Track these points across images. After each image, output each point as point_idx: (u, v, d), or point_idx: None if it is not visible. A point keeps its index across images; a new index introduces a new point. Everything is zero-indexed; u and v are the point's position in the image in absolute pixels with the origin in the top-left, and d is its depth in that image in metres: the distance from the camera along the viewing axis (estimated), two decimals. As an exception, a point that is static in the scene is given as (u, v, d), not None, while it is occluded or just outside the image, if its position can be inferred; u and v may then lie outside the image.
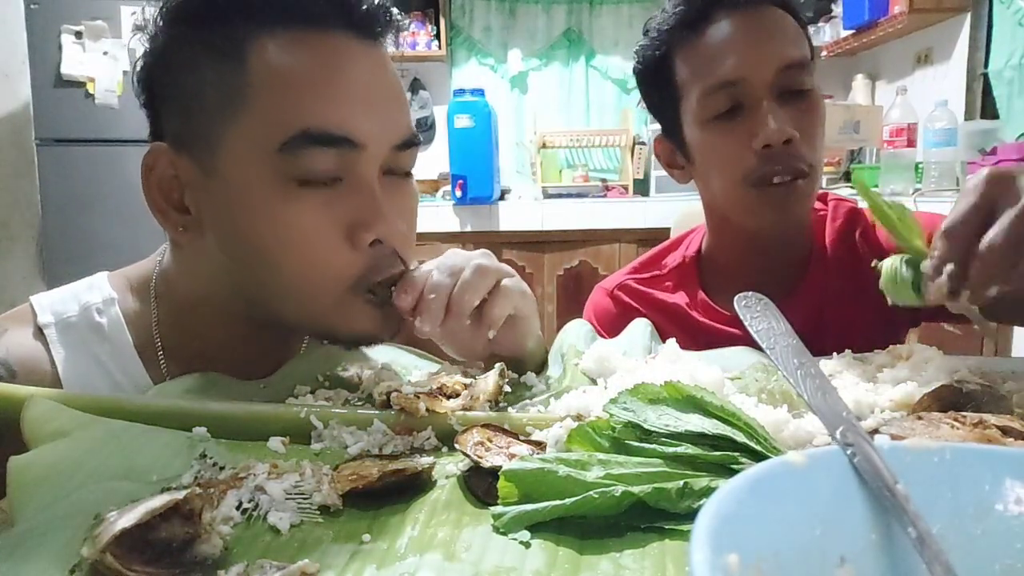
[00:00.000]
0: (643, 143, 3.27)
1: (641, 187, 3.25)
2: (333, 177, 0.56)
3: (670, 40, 0.85)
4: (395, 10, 0.60)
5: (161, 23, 0.57)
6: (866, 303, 0.80)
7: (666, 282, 0.96)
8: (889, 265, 0.58)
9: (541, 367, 0.68)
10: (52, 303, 0.62)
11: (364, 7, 0.57)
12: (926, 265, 0.53)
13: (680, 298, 0.93)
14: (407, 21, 0.64)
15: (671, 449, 0.40)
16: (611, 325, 0.89)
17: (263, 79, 0.54)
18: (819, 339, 0.87)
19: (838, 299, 0.88)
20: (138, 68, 0.59)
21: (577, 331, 0.71)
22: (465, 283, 0.58)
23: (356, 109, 0.56)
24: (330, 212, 0.55)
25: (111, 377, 0.61)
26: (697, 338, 0.83)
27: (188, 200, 0.58)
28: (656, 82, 0.89)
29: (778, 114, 0.79)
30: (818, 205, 0.93)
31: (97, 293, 0.63)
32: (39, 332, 0.60)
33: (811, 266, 0.91)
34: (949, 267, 0.51)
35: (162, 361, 0.63)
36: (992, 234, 0.49)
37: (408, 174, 0.63)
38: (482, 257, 0.60)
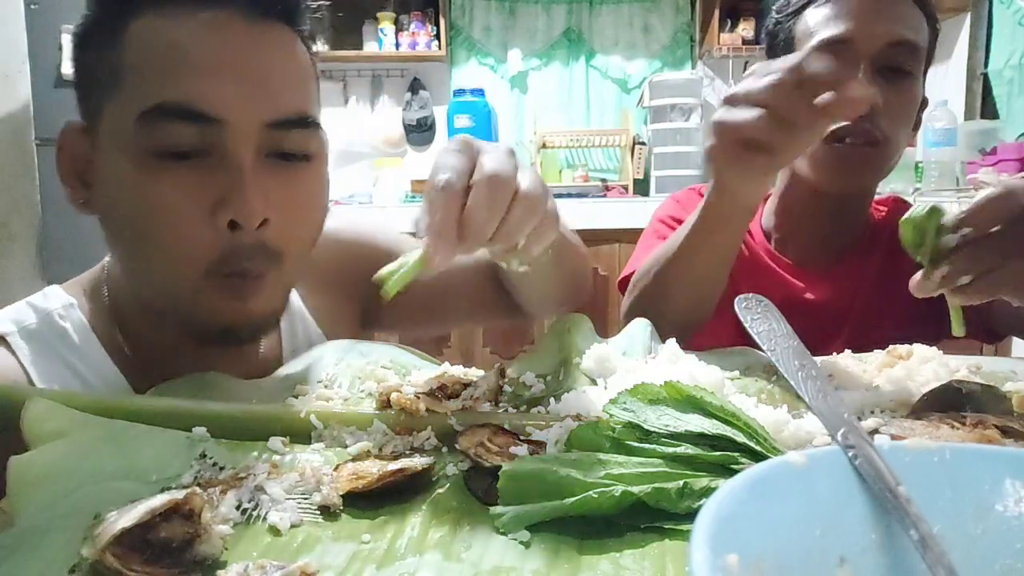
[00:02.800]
0: (643, 143, 3.27)
1: (641, 187, 3.25)
2: (197, 152, 0.54)
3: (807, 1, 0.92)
4: None
5: (88, 8, 0.59)
6: (898, 297, 0.84)
7: None
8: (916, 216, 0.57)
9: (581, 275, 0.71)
10: (8, 314, 0.61)
11: None
12: (949, 218, 0.53)
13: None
14: (310, 3, 0.62)
15: (671, 449, 0.40)
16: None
17: (134, 55, 0.55)
18: (848, 317, 0.95)
19: (875, 284, 0.95)
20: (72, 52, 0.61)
21: (572, 323, 0.70)
22: (477, 202, 0.46)
23: (218, 84, 0.54)
24: (189, 186, 0.54)
25: (84, 380, 0.60)
26: (759, 276, 0.93)
27: (88, 176, 0.60)
28: (779, 38, 0.96)
29: (872, 81, 0.85)
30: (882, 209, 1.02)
31: (55, 301, 0.63)
32: (2, 343, 0.59)
33: (860, 245, 0.98)
34: (965, 230, 0.53)
35: (130, 359, 0.63)
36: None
37: (307, 158, 0.59)
38: (494, 158, 0.48)
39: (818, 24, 0.89)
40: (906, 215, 0.56)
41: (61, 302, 0.63)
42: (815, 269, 0.98)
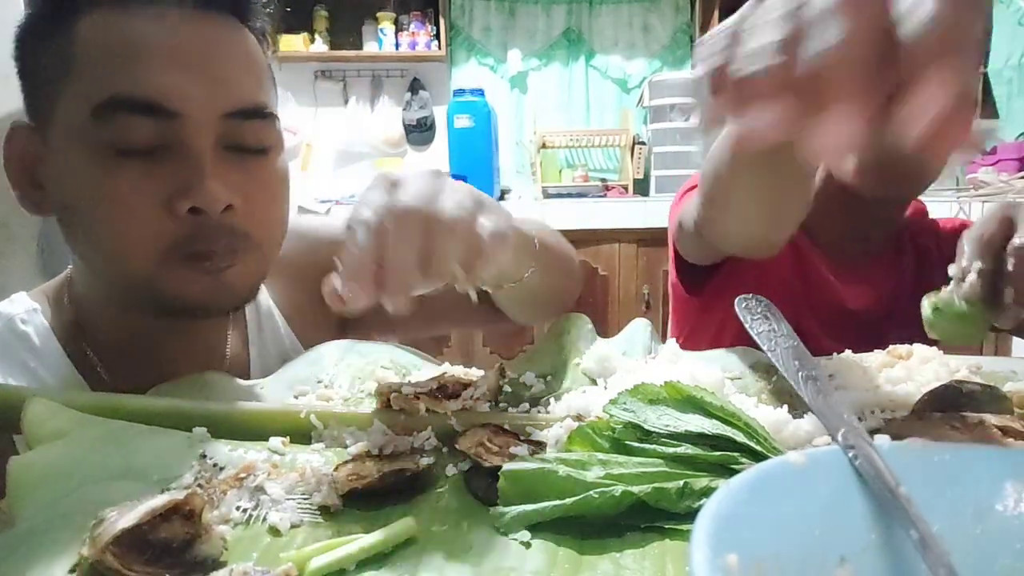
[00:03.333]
0: (643, 143, 3.27)
1: (641, 187, 3.25)
2: (154, 145, 0.54)
3: None
4: None
5: (32, 6, 0.58)
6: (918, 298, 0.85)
7: None
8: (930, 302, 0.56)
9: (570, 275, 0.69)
10: None
11: None
12: (954, 269, 0.53)
13: None
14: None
15: (671, 449, 0.40)
16: None
17: (85, 48, 0.54)
18: (889, 314, 0.94)
19: (912, 286, 0.95)
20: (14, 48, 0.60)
21: (573, 323, 0.70)
22: (390, 242, 0.42)
23: (173, 75, 0.54)
24: (148, 180, 0.54)
25: (42, 382, 0.60)
26: (792, 264, 0.91)
27: (40, 176, 0.59)
28: None
29: None
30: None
31: (19, 306, 0.64)
32: None
33: (891, 247, 0.97)
34: (977, 264, 0.52)
35: (93, 362, 0.63)
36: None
37: (264, 151, 0.60)
38: (410, 189, 0.44)
39: None
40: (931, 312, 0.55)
41: (24, 307, 0.64)
42: (849, 266, 0.96)
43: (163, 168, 0.54)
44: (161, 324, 0.62)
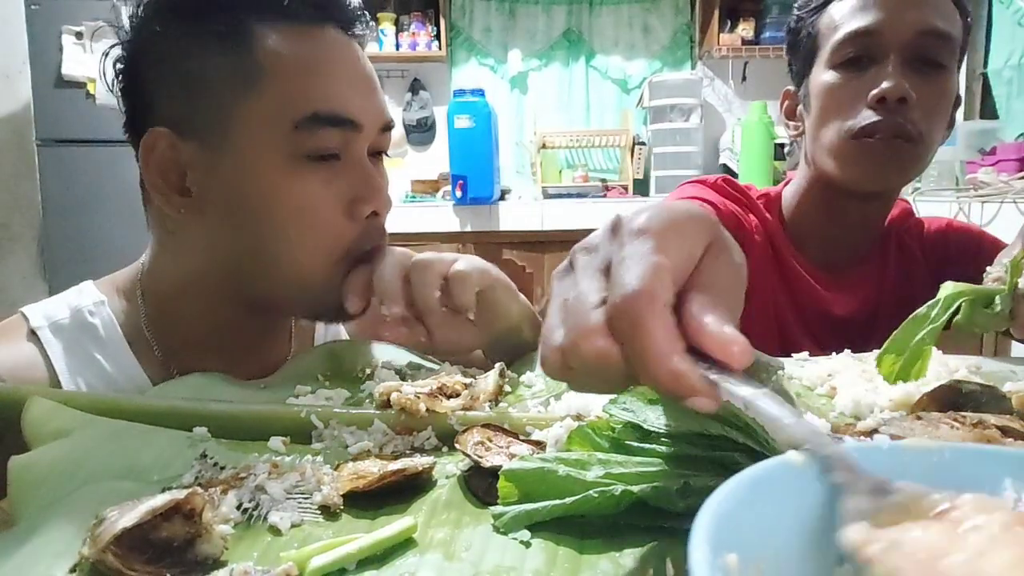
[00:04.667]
0: (643, 143, 3.27)
1: (641, 187, 3.25)
2: (334, 154, 0.61)
3: None
4: (366, 13, 0.67)
5: (144, 15, 0.61)
6: (914, 298, 0.84)
7: (752, 210, 0.98)
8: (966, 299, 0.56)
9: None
10: (43, 309, 0.64)
11: (349, 6, 0.64)
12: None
13: (766, 224, 0.96)
14: (372, 23, 0.75)
15: (671, 449, 0.40)
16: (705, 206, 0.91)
17: (274, 64, 0.59)
18: (875, 326, 0.93)
19: (896, 291, 0.94)
20: (115, 59, 0.62)
21: None
22: (416, 280, 0.61)
23: (354, 94, 0.62)
24: (332, 186, 0.61)
25: (107, 374, 0.62)
26: (780, 276, 0.92)
27: (190, 181, 0.61)
28: (804, 30, 0.92)
29: (902, 74, 0.81)
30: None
31: (87, 297, 0.65)
32: (32, 336, 0.61)
33: (875, 249, 0.96)
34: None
35: (157, 355, 0.65)
36: None
37: (383, 156, 0.68)
38: (423, 256, 0.63)
39: (844, 17, 0.86)
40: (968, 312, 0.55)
41: (92, 299, 0.65)
42: (833, 272, 0.95)
43: (342, 174, 0.61)
44: (251, 322, 0.67)
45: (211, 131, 0.59)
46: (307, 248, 0.61)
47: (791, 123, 0.99)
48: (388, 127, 0.66)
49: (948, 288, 0.54)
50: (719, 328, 0.30)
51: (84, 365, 0.62)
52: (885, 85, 0.80)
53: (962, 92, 0.98)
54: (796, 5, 0.95)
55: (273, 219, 0.60)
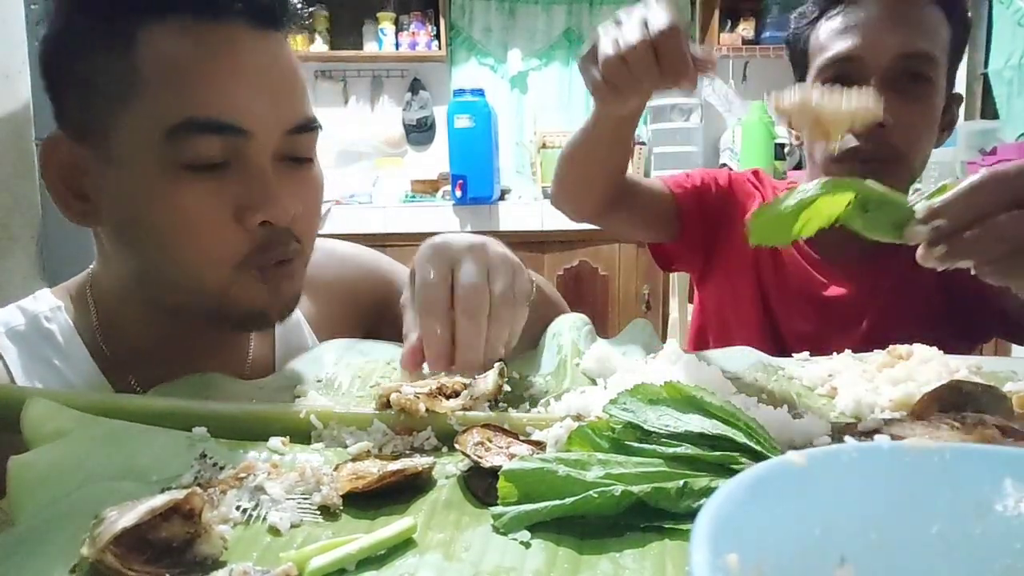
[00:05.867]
0: (643, 143, 3.27)
1: (641, 187, 3.24)
2: (221, 162, 0.56)
3: (820, 11, 0.90)
4: (290, 2, 0.61)
5: (60, 9, 0.58)
6: (919, 298, 0.84)
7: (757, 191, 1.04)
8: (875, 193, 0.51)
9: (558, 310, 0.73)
10: None
11: None
12: (921, 206, 0.48)
13: None
14: (306, 11, 0.66)
15: (671, 449, 0.40)
16: (718, 189, 1.04)
17: (152, 67, 0.54)
18: (866, 314, 0.94)
19: (897, 284, 0.94)
20: (39, 54, 0.59)
21: (572, 323, 0.71)
22: (463, 332, 0.55)
23: (243, 96, 0.56)
24: (218, 196, 0.56)
25: (67, 381, 0.61)
26: (782, 266, 0.96)
27: (87, 188, 0.59)
28: (797, 49, 0.95)
29: (882, 96, 0.81)
30: None
31: (43, 304, 0.64)
32: None
33: (884, 246, 0.96)
34: (940, 221, 0.47)
35: (114, 361, 0.63)
36: (1003, 219, 0.45)
37: (309, 160, 0.63)
38: (468, 271, 0.57)
39: (828, 38, 0.87)
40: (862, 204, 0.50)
41: (48, 305, 0.64)
42: (840, 265, 0.97)
43: (229, 182, 0.57)
44: (194, 328, 0.63)
45: (97, 137, 0.56)
46: (193, 258, 0.57)
47: (793, 132, 1.02)
48: (302, 129, 0.60)
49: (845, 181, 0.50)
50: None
51: (42, 371, 0.60)
52: None
53: (962, 92, 0.98)
54: (793, 17, 0.96)
55: (155, 229, 0.57)
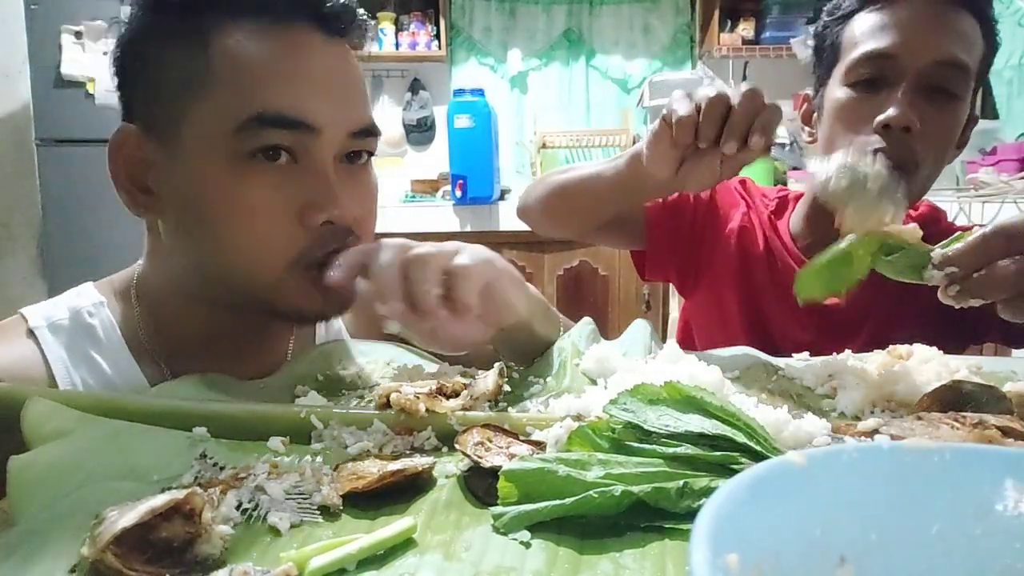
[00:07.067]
0: (643, 143, 3.26)
1: (641, 187, 3.24)
2: (287, 159, 0.58)
3: (859, 5, 0.88)
4: (361, 10, 0.64)
5: (137, 11, 0.60)
6: (919, 303, 0.85)
7: (768, 208, 1.04)
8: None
9: (557, 327, 0.71)
10: (42, 310, 0.64)
11: (328, 4, 0.61)
12: (937, 254, 0.54)
13: (768, 223, 1.01)
14: (372, 22, 0.69)
15: (671, 449, 0.40)
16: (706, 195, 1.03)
17: (223, 64, 0.57)
18: (866, 321, 0.94)
19: (897, 290, 0.92)
20: (114, 54, 0.62)
21: (580, 331, 0.71)
22: (414, 278, 0.54)
23: (311, 95, 0.59)
24: (282, 190, 0.58)
25: (105, 375, 0.62)
26: (785, 277, 0.94)
27: (151, 181, 0.61)
28: (826, 43, 0.92)
29: (911, 101, 0.80)
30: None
31: (86, 299, 0.65)
32: (31, 336, 0.61)
33: None
34: (952, 268, 0.53)
35: (155, 357, 0.64)
36: (1006, 263, 0.51)
37: (367, 164, 0.65)
38: (422, 247, 0.57)
39: (864, 34, 0.85)
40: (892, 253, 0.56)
41: (91, 300, 0.65)
42: None
43: (293, 177, 0.58)
44: (239, 324, 0.65)
45: (167, 131, 0.59)
46: (250, 249, 0.59)
47: (806, 128, 0.99)
48: (365, 132, 0.63)
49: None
50: None
51: (82, 365, 0.61)
52: (892, 112, 0.79)
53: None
54: (825, 10, 0.93)
55: (217, 220, 0.58)
